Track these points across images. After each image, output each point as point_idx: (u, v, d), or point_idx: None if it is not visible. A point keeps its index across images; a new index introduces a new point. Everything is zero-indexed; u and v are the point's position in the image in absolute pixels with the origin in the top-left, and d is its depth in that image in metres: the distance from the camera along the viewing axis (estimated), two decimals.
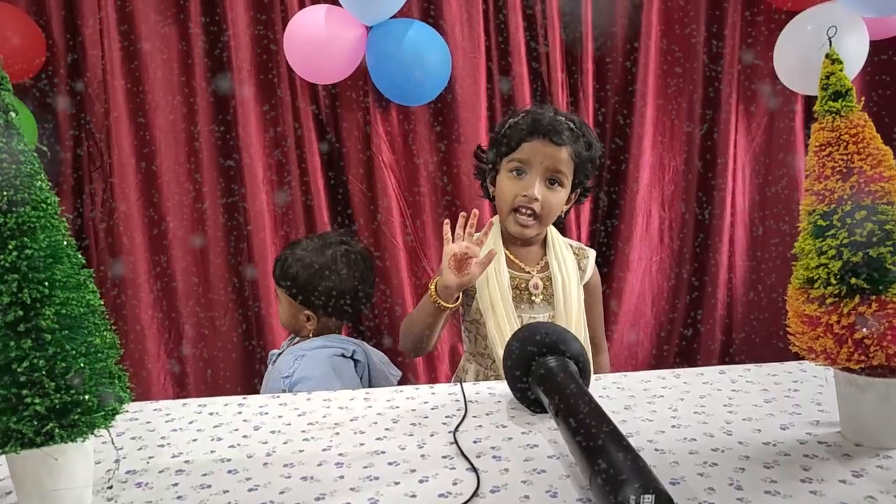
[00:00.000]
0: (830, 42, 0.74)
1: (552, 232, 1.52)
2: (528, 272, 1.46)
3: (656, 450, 0.80)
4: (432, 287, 1.31)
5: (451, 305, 1.29)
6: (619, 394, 1.00)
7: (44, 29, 2.30)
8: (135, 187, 2.35)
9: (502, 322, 1.39)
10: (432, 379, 2.50)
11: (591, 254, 1.55)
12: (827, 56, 0.74)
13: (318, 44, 2.14)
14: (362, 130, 2.41)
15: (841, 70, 0.73)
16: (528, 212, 1.39)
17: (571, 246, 1.53)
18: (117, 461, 0.79)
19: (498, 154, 1.45)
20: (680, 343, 2.65)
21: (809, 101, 2.55)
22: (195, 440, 0.88)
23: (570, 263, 1.48)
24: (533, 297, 1.44)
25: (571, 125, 1.41)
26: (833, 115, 0.73)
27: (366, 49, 2.23)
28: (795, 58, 2.21)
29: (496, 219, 1.51)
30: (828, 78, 0.74)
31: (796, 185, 2.56)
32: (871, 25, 2.18)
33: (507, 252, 1.46)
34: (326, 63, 2.20)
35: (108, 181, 2.37)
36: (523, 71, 2.38)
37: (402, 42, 2.16)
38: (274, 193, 2.43)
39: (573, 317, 1.44)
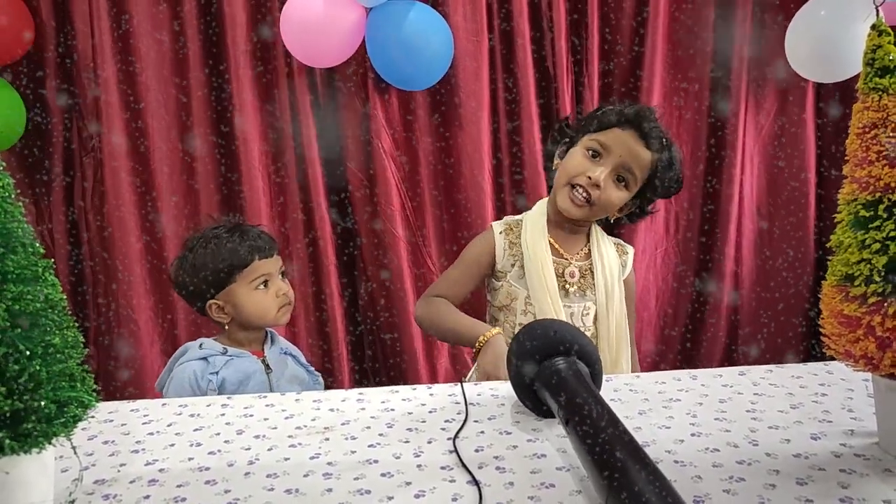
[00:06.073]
0: (878, 11, 0.66)
1: (595, 226, 1.47)
2: (567, 259, 1.41)
3: (676, 462, 0.73)
4: (482, 339, 1.27)
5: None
6: (631, 397, 0.93)
7: (31, 8, 2.22)
8: (127, 172, 2.28)
9: (549, 313, 1.35)
10: (431, 372, 2.43)
11: (631, 250, 1.51)
12: (873, 27, 0.66)
13: (316, 26, 2.06)
14: (361, 116, 2.34)
15: (890, 42, 0.65)
16: (584, 194, 1.34)
17: (611, 242, 1.50)
18: (81, 472, 0.71)
19: (583, 128, 1.41)
20: (684, 336, 2.58)
21: (821, 88, 2.47)
22: (172, 445, 0.81)
23: (612, 257, 1.44)
24: (567, 286, 1.39)
25: (665, 139, 1.37)
26: (880, 92, 0.65)
27: (365, 31, 2.15)
28: (808, 44, 2.13)
29: (543, 202, 1.47)
30: (874, 51, 0.66)
31: (807, 175, 2.50)
32: (889, 11, 2.10)
33: (549, 236, 1.42)
34: (324, 46, 2.13)
35: (98, 166, 2.30)
36: (527, 55, 2.31)
37: (402, 24, 2.09)
38: (270, 180, 2.36)
39: (615, 310, 1.40)
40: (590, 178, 1.33)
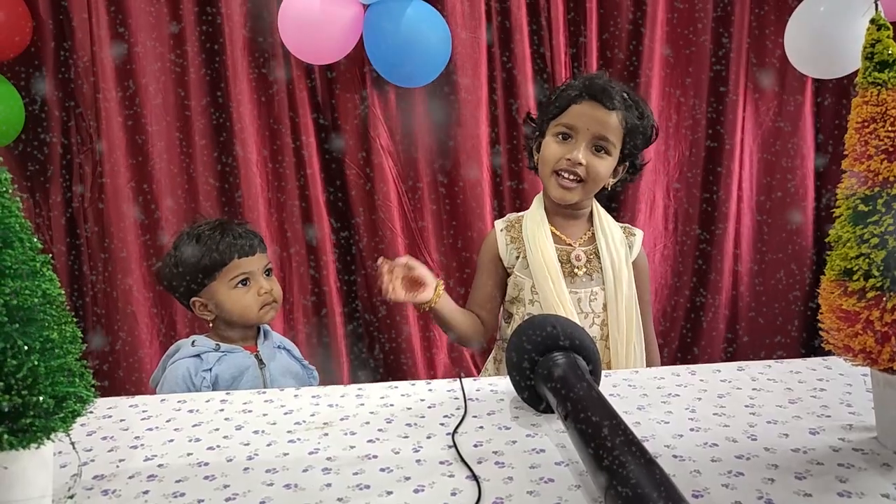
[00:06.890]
0: (877, 5, 0.66)
1: (598, 208, 1.47)
2: (571, 244, 1.41)
3: (675, 456, 0.73)
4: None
5: (428, 304, 1.35)
6: (630, 392, 0.93)
7: (30, 5, 2.21)
8: (125, 169, 2.28)
9: (553, 299, 1.35)
10: (430, 368, 2.43)
11: (639, 232, 1.50)
12: (872, 21, 0.66)
13: (314, 22, 2.06)
14: (360, 113, 2.34)
15: (888, 37, 0.65)
16: (572, 176, 1.35)
17: (618, 225, 1.49)
18: (80, 467, 0.71)
19: (545, 118, 1.41)
20: (683, 333, 2.58)
21: (820, 85, 2.47)
22: (171, 441, 0.81)
23: (618, 238, 1.43)
24: (575, 270, 1.39)
25: (624, 93, 1.37)
26: (878, 87, 0.65)
27: (363, 28, 2.15)
28: (807, 40, 2.13)
29: (540, 195, 1.47)
30: (873, 46, 0.66)
31: (805, 172, 2.49)
32: (889, 6, 2.09)
33: (550, 225, 1.42)
34: (322, 43, 2.12)
35: (97, 163, 2.29)
36: (525, 51, 2.31)
37: (400, 21, 2.08)
38: (268, 178, 2.35)
39: (623, 293, 1.38)
40: (569, 160, 1.34)
